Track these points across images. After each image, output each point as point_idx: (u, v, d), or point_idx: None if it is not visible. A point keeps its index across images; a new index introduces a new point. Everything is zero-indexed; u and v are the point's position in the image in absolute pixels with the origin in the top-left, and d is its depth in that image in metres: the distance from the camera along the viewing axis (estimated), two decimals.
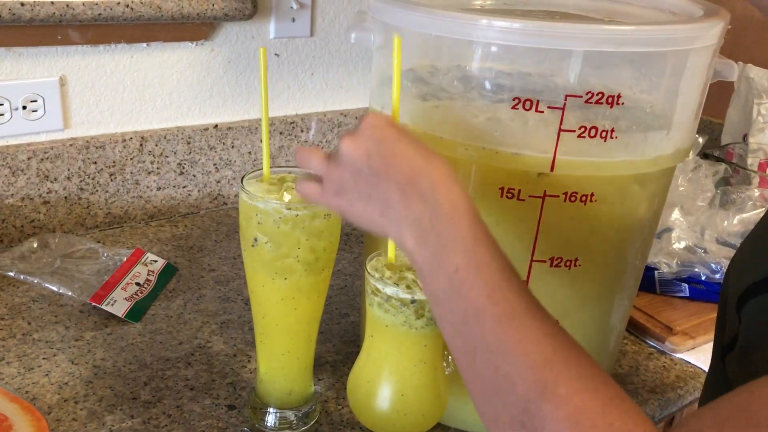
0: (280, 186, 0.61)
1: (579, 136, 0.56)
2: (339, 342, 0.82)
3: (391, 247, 0.58)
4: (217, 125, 1.06)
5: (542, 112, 0.55)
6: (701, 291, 0.93)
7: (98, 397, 0.69)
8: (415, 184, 0.47)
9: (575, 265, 0.62)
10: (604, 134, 0.56)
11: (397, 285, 0.55)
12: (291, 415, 0.67)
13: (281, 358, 0.65)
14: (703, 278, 0.94)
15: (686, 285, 0.93)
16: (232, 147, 1.08)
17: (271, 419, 0.67)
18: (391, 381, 0.58)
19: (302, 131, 1.15)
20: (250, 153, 1.10)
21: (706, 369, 0.83)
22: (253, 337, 0.78)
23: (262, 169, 0.62)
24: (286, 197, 0.60)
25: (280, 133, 1.12)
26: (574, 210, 0.59)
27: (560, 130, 0.56)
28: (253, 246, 0.59)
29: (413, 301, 0.55)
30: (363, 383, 0.60)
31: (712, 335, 0.88)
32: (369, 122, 0.50)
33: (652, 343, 0.87)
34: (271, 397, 0.67)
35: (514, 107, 0.56)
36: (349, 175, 0.50)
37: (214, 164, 1.08)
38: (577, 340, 0.65)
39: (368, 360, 0.60)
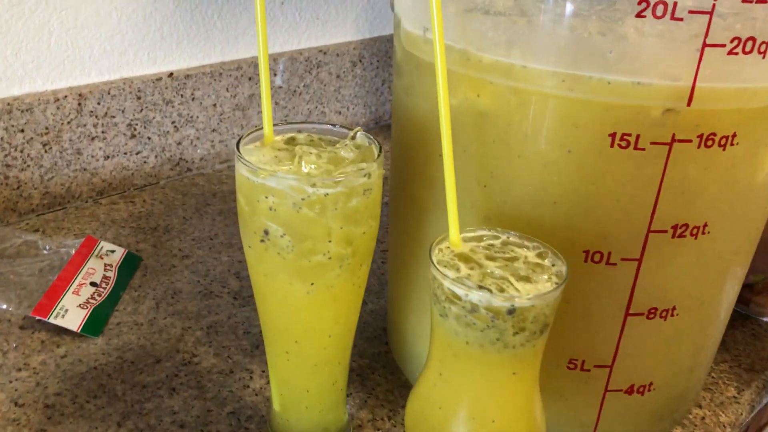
0: (291, 151, 0.43)
1: (730, 52, 0.39)
2: (361, 340, 0.65)
3: (453, 225, 0.41)
4: (172, 74, 0.85)
5: (680, 19, 0.38)
6: None
7: None
8: None
9: (703, 233, 0.45)
10: (762, 48, 0.39)
11: (487, 288, 0.38)
12: None
13: (309, 386, 0.47)
14: None
15: None
16: (193, 99, 0.88)
17: None
18: (475, 406, 0.42)
19: (275, 75, 0.95)
20: (215, 105, 0.90)
21: None
22: (249, 342, 0.60)
23: (258, 128, 0.44)
24: (305, 167, 0.41)
25: (250, 79, 0.92)
26: (709, 158, 0.42)
27: (704, 44, 0.38)
28: (263, 241, 0.41)
29: (512, 311, 0.37)
30: (434, 410, 0.43)
31: None
32: None
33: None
34: None
35: (640, 14, 0.38)
36: None
37: (173, 122, 0.87)
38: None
39: (439, 381, 0.43)
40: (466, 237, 0.42)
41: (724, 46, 0.38)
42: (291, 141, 0.44)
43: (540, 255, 0.41)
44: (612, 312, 0.47)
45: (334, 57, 1.00)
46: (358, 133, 0.45)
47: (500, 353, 0.39)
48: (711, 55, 0.38)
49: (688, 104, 0.40)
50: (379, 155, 0.42)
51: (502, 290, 0.38)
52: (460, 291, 0.38)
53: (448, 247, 0.41)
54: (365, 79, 1.07)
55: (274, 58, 0.94)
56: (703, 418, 0.58)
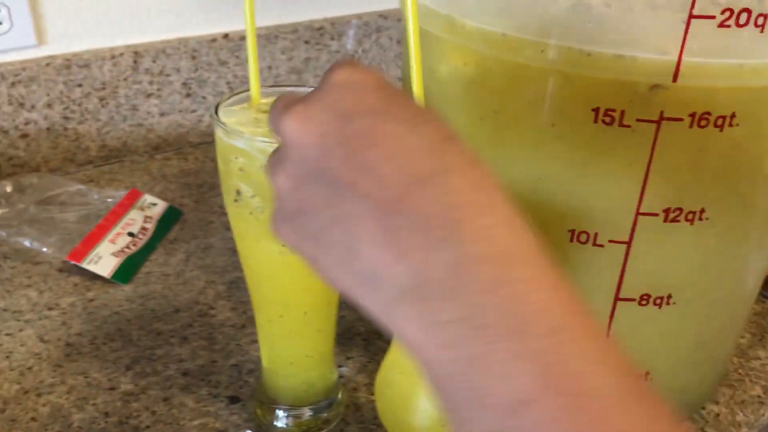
0: None
1: (721, 24, 0.36)
2: None
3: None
4: (227, 35, 0.87)
5: None
6: None
7: (67, 388, 0.55)
8: (413, 207, 0.24)
9: (700, 219, 0.42)
10: (760, 21, 0.36)
11: None
12: (307, 412, 0.52)
13: (289, 345, 0.48)
14: None
15: None
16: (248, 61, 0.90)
17: (281, 419, 0.52)
18: None
19: (333, 39, 0.95)
20: (270, 68, 0.92)
21: None
22: None
23: (247, 89, 0.44)
24: None
25: (306, 42, 0.93)
26: (704, 139, 0.40)
27: (691, 16, 0.36)
28: (236, 201, 0.42)
29: None
30: (396, 376, 0.43)
31: None
32: (335, 77, 0.27)
33: None
34: (280, 392, 0.51)
35: None
36: (289, 184, 0.27)
37: (227, 83, 0.90)
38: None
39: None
40: None
41: (713, 17, 0.36)
42: None
43: None
44: (600, 295, 0.45)
45: (395, 22, 1.00)
46: None
47: None
48: (699, 27, 0.36)
49: (674, 80, 0.37)
50: None
51: None
52: None
53: None
54: None
55: (331, 23, 0.94)
56: (717, 415, 0.55)
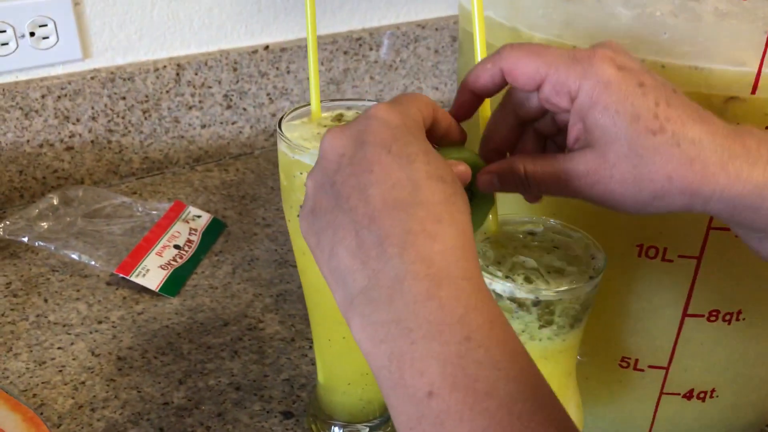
0: None
1: None
2: None
3: (493, 209, 0.40)
4: (268, 46, 0.87)
5: None
6: None
7: (121, 402, 0.55)
8: (381, 226, 0.29)
9: None
10: None
11: (512, 278, 0.37)
12: (363, 429, 0.51)
13: (349, 364, 0.48)
14: None
15: None
16: (288, 72, 0.90)
17: None
18: None
19: (371, 49, 0.95)
20: (309, 78, 0.92)
21: None
22: None
23: (306, 104, 0.44)
24: None
25: (345, 53, 0.93)
26: None
27: None
28: (299, 216, 0.42)
29: (537, 303, 0.36)
30: None
31: None
32: (372, 110, 0.32)
33: None
34: (336, 408, 0.51)
35: None
36: (313, 186, 0.33)
37: (268, 94, 0.90)
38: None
39: None
40: (507, 221, 0.41)
41: None
42: (339, 118, 0.44)
43: (581, 247, 0.39)
44: (667, 311, 0.44)
45: (432, 31, 0.99)
46: None
47: (526, 344, 0.37)
48: None
49: (753, 92, 0.36)
50: None
51: (530, 281, 0.37)
52: (485, 279, 0.37)
53: (482, 232, 0.40)
54: None
55: (369, 33, 0.94)
56: None
